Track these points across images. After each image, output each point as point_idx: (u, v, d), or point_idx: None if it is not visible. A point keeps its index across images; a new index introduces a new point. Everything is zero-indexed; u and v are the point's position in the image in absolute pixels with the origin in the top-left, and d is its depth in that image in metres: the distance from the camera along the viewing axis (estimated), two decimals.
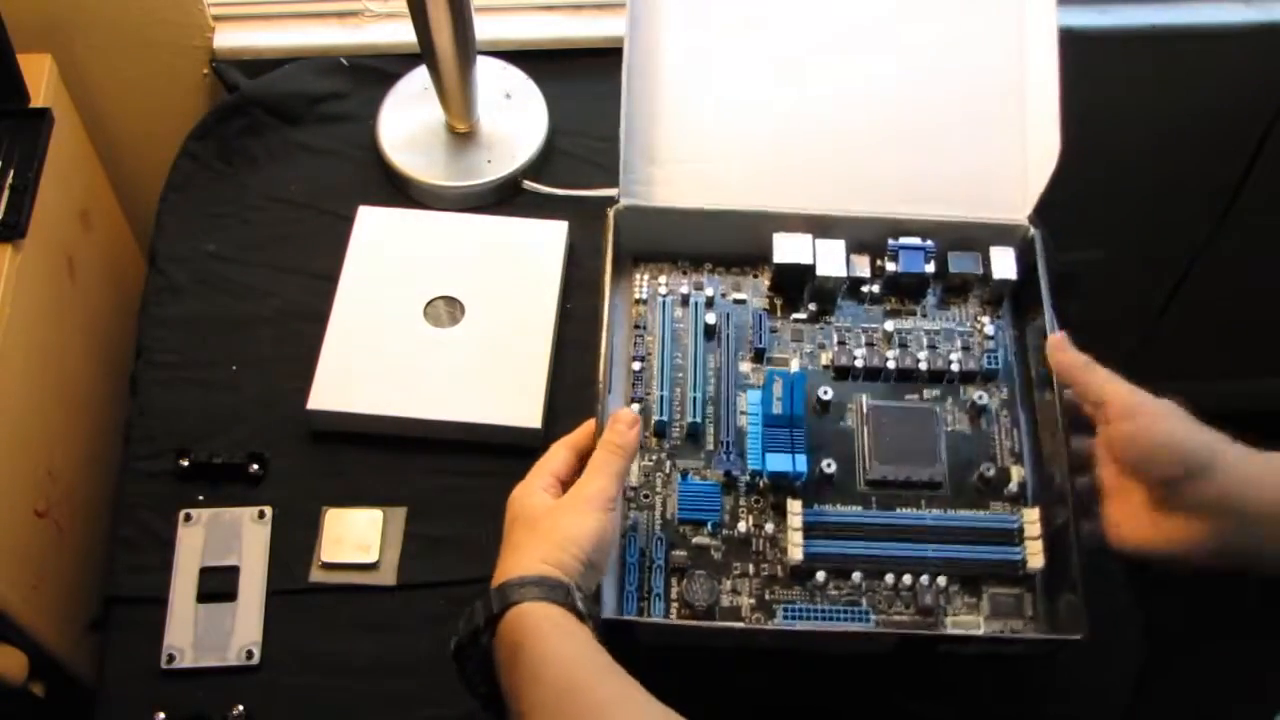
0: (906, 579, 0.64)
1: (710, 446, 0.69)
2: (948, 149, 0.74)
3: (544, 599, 0.54)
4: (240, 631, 0.68)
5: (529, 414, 0.74)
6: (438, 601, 0.69)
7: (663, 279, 0.74)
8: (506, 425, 0.73)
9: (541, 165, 0.88)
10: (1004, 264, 0.72)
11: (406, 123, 0.89)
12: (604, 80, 0.94)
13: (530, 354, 0.76)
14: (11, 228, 0.77)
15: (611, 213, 0.72)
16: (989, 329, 0.72)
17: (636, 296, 0.74)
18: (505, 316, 0.78)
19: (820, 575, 0.64)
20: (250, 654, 0.67)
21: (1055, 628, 0.63)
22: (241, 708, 0.65)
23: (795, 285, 0.73)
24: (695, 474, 0.68)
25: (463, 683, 0.56)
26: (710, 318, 0.72)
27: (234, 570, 0.70)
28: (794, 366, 0.71)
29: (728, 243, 0.74)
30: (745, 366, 0.71)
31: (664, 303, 0.73)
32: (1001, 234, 0.73)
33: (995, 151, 0.74)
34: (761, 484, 0.67)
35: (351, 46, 0.94)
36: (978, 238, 0.73)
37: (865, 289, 0.73)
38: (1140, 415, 0.58)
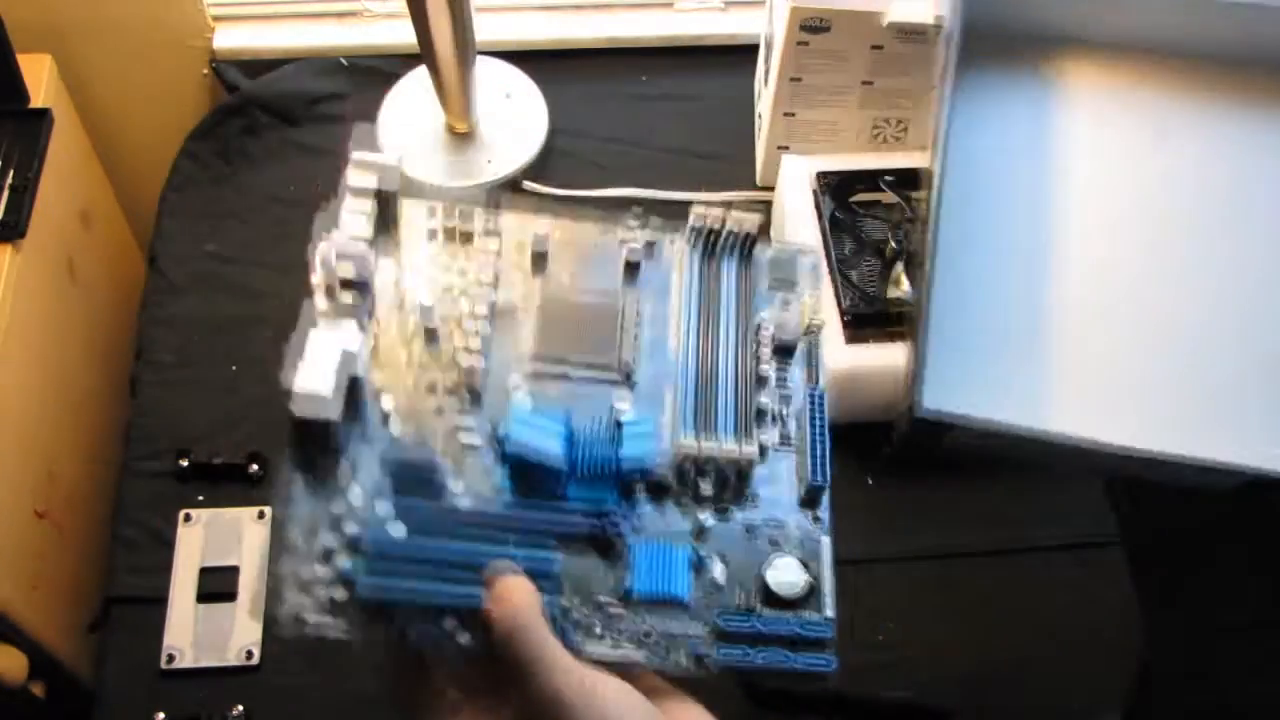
0: None
1: None
2: None
3: None
4: (240, 631, 0.68)
5: None
6: None
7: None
8: None
9: (541, 165, 0.88)
10: None
11: (406, 123, 0.89)
12: (604, 80, 0.94)
13: None
14: (11, 228, 0.77)
15: None
16: None
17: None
18: None
19: None
20: (250, 654, 0.67)
21: None
22: (241, 708, 0.65)
23: None
24: None
25: None
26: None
27: (234, 570, 0.70)
28: None
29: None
30: None
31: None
32: None
33: None
34: None
35: (351, 46, 0.94)
36: None
37: None
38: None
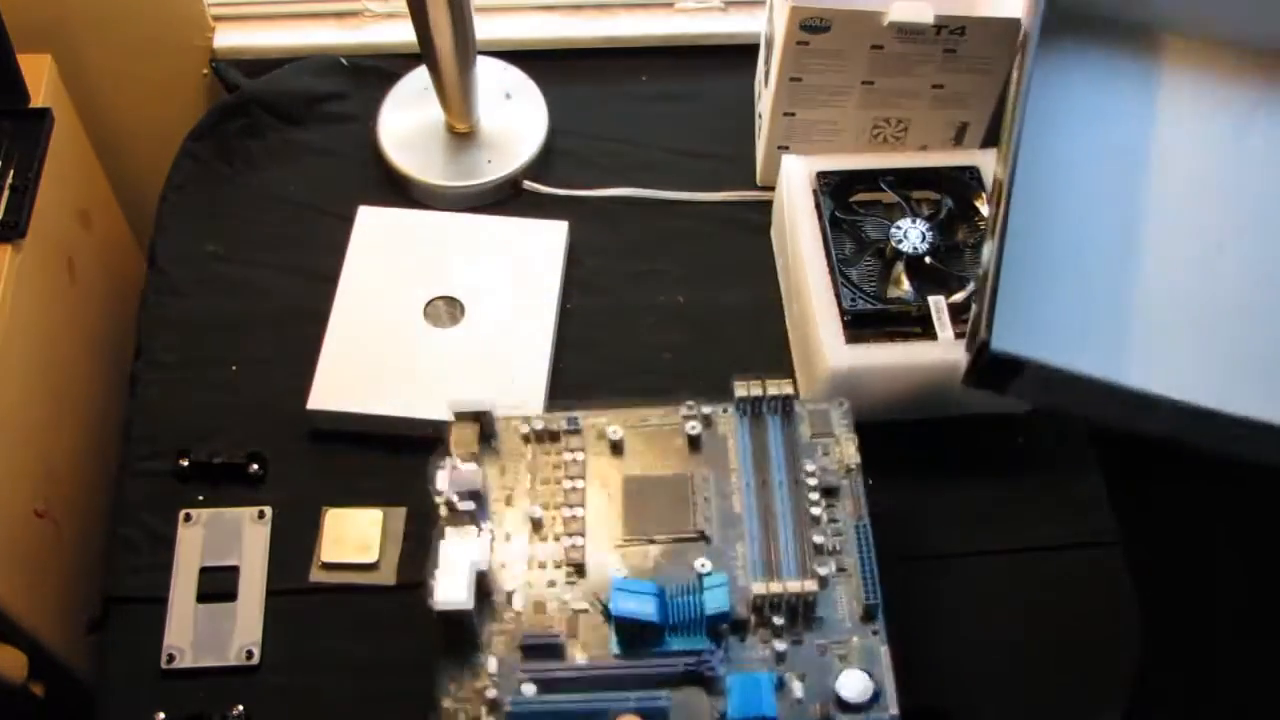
0: None
1: None
2: None
3: None
4: (240, 631, 0.68)
5: None
6: None
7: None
8: None
9: (541, 165, 0.88)
10: None
11: (406, 123, 0.89)
12: (604, 80, 0.94)
13: (530, 354, 0.76)
14: (11, 228, 0.77)
15: None
16: None
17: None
18: (505, 317, 0.78)
19: None
20: (250, 654, 0.67)
21: None
22: (241, 708, 0.65)
23: None
24: None
25: None
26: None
27: (234, 570, 0.70)
28: None
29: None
30: None
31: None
32: None
33: None
34: None
35: (351, 46, 0.94)
36: None
37: None
38: None
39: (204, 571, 0.69)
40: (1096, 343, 0.60)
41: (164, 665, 0.67)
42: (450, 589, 0.56)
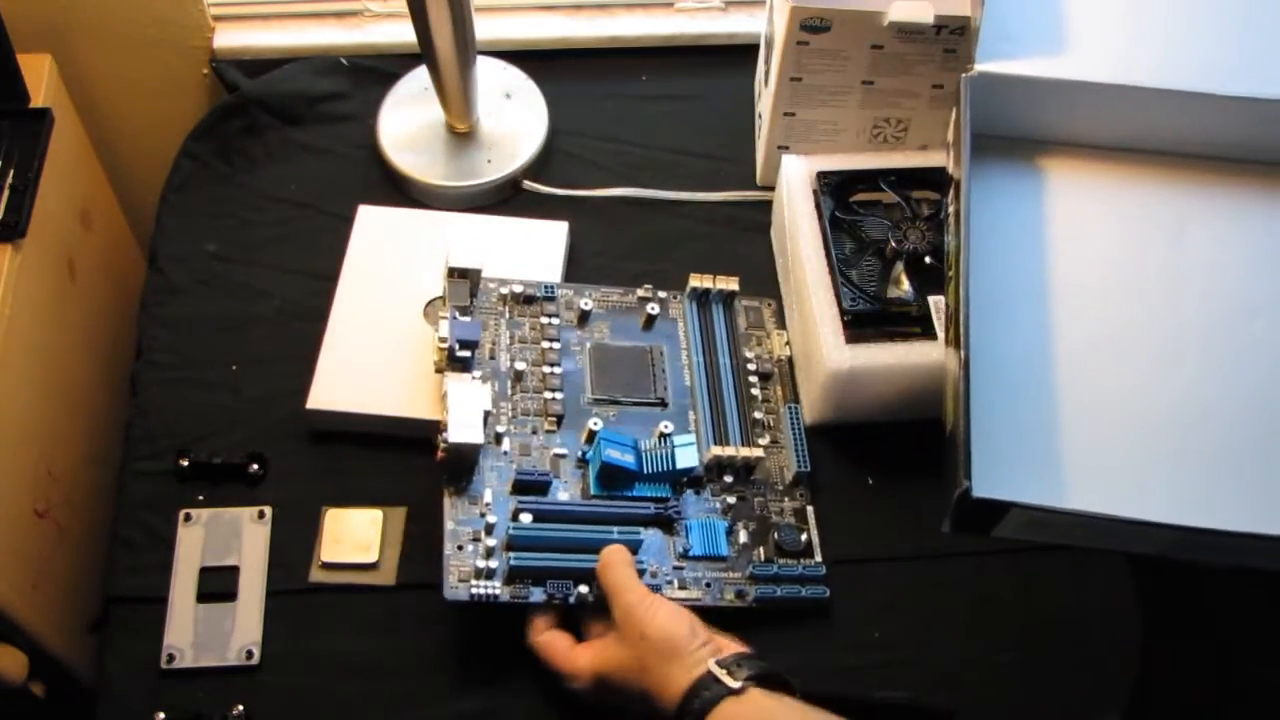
0: None
1: None
2: None
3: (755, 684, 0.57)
4: (240, 631, 0.68)
5: None
6: (438, 601, 0.69)
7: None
8: None
9: (541, 165, 0.88)
10: None
11: (406, 123, 0.89)
12: (604, 80, 0.94)
13: None
14: (11, 228, 0.78)
15: (964, 80, 0.64)
16: None
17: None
18: None
19: None
20: (250, 654, 0.67)
21: None
22: (241, 708, 0.65)
23: None
24: None
25: None
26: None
27: (234, 570, 0.70)
28: None
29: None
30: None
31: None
32: None
33: None
34: None
35: (351, 46, 0.95)
36: None
37: None
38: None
39: (204, 571, 0.69)
40: (1075, 471, 0.60)
41: (164, 665, 0.67)
42: (465, 428, 0.63)
